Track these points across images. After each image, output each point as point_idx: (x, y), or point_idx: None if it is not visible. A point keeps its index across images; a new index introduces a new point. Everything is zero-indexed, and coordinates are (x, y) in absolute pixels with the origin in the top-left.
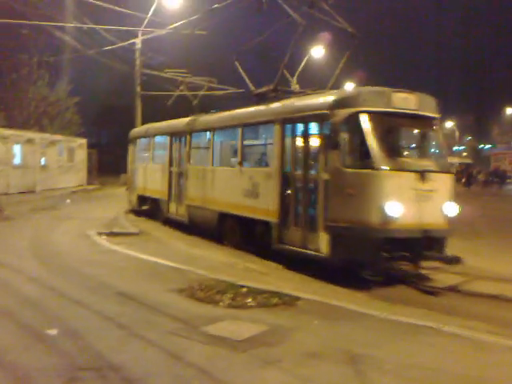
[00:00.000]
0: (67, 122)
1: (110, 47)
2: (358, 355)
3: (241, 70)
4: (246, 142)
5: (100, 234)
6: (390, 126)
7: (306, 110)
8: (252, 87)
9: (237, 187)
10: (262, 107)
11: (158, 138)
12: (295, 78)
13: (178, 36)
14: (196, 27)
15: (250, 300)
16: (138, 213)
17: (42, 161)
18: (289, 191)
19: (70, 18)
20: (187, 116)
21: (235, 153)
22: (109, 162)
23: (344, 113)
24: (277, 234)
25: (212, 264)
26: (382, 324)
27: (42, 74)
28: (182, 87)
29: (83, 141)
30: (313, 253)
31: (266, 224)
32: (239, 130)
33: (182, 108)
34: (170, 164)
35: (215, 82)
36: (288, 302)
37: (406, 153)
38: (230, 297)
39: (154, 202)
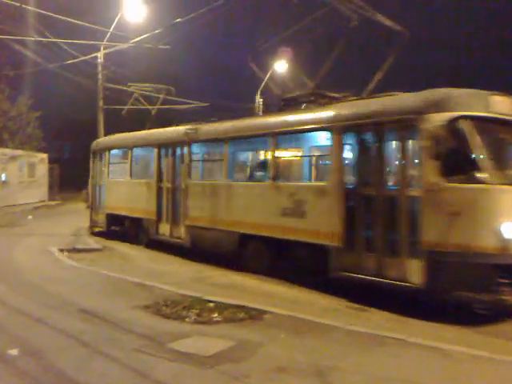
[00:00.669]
0: (28, 137)
1: (71, 61)
2: (325, 368)
3: (259, 72)
4: (280, 154)
5: (62, 250)
6: (492, 133)
7: (382, 115)
8: (273, 91)
9: (268, 205)
10: (304, 113)
11: (138, 150)
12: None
13: (142, 50)
14: (159, 41)
15: (216, 315)
16: (103, 234)
17: (3, 176)
18: (354, 210)
19: (31, 31)
20: (144, 129)
21: (261, 166)
22: (71, 177)
23: (440, 118)
24: (338, 260)
25: (178, 279)
26: (349, 336)
27: (2, 88)
28: (135, 96)
29: (44, 156)
30: (397, 282)
31: (315, 248)
32: (270, 140)
33: (141, 121)
34: (159, 179)
35: (173, 92)
36: (255, 316)
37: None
38: (196, 312)
39: (133, 222)
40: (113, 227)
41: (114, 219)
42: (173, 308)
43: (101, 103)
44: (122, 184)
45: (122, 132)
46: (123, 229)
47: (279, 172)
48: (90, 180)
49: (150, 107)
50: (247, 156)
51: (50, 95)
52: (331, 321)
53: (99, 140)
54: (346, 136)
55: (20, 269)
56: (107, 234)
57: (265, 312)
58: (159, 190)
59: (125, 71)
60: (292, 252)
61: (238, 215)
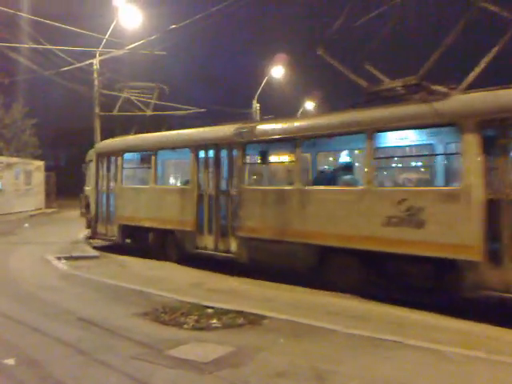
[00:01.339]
0: (24, 145)
1: (66, 68)
2: (324, 371)
3: (330, 60)
4: (379, 154)
5: (59, 258)
6: None
7: None
8: (360, 82)
9: (363, 214)
10: (416, 106)
11: (164, 153)
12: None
13: (138, 56)
14: (155, 48)
15: (215, 321)
16: (107, 247)
17: None
18: (498, 219)
19: (25, 38)
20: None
21: (348, 168)
22: (67, 185)
23: None
24: (477, 276)
25: (176, 286)
26: (347, 339)
27: None
28: (126, 97)
29: (40, 163)
30: None
31: (432, 262)
32: (366, 138)
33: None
34: (198, 185)
35: (167, 91)
36: (254, 321)
37: None
38: (195, 318)
39: (159, 234)
40: (127, 240)
41: (129, 231)
42: (171, 315)
43: (97, 110)
44: (144, 191)
45: (114, 137)
46: (139, 242)
47: (379, 175)
48: (90, 187)
49: (143, 113)
50: (326, 158)
51: (45, 102)
52: (330, 324)
53: (106, 142)
54: (483, 132)
55: (16, 277)
56: (111, 248)
57: (264, 317)
58: (198, 197)
59: (121, 78)
60: (394, 267)
61: (317, 225)
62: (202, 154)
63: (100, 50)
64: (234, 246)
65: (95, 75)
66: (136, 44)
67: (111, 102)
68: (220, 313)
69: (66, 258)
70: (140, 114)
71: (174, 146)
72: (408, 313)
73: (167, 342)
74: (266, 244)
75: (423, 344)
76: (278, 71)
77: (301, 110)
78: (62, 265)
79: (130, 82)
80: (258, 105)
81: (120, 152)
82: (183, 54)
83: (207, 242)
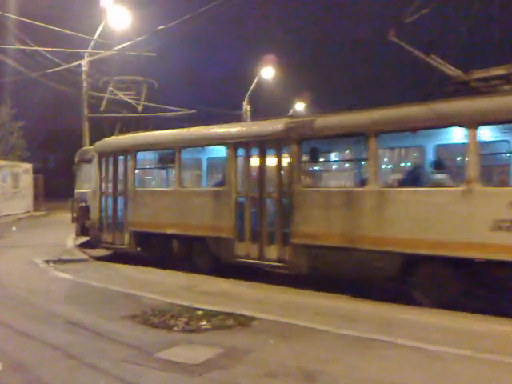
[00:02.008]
0: (12, 147)
1: (54, 69)
2: (314, 372)
3: (405, 45)
4: (484, 149)
5: (48, 261)
6: None
7: None
8: (450, 71)
9: (466, 217)
10: None
11: (190, 152)
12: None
13: (128, 58)
14: (144, 49)
15: (204, 323)
16: (109, 256)
17: None
18: None
19: (12, 39)
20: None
21: (439, 166)
22: (56, 187)
23: None
24: None
25: (166, 289)
26: (337, 339)
27: None
28: (110, 88)
29: (28, 166)
30: None
31: None
32: (469, 131)
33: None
34: (238, 187)
35: (156, 86)
36: (243, 322)
37: None
38: (185, 321)
39: (184, 242)
40: (139, 248)
41: (143, 239)
42: (161, 317)
43: (86, 112)
44: (165, 194)
45: (103, 138)
46: (156, 251)
47: (482, 173)
48: (90, 190)
49: (131, 115)
50: (408, 154)
51: (33, 104)
52: (320, 325)
53: (109, 140)
54: None
55: (4, 281)
56: (100, 252)
57: (253, 318)
58: (237, 200)
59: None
60: (505, 277)
61: (401, 231)
62: (241, 151)
63: (88, 51)
64: (285, 254)
65: (84, 77)
66: (124, 45)
67: (100, 104)
68: (210, 315)
69: (55, 262)
70: (128, 115)
71: (204, 144)
72: (397, 312)
73: (157, 344)
74: (331, 252)
75: (412, 343)
76: (267, 72)
77: (291, 111)
78: (51, 268)
79: (115, 77)
80: (249, 106)
81: (131, 150)
82: (172, 55)
83: (250, 251)
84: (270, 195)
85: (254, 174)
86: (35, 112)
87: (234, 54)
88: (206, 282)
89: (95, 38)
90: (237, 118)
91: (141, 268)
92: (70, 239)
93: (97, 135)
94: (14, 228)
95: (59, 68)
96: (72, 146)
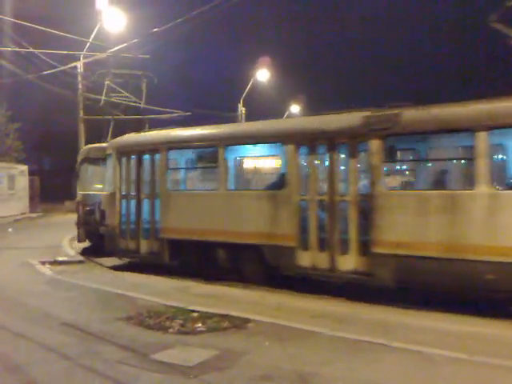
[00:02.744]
0: (7, 149)
1: (49, 71)
2: (308, 374)
3: (508, 31)
4: None
5: (44, 263)
6: None
7: None
8: None
9: None
10: None
11: (238, 149)
12: None
13: (122, 60)
14: (139, 51)
15: (199, 325)
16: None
17: None
18: None
19: (7, 41)
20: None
21: None
22: (52, 188)
23: None
24: None
25: (161, 290)
26: (331, 342)
27: None
28: (107, 83)
29: (24, 167)
30: None
31: None
32: None
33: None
34: (301, 189)
35: (155, 81)
36: (238, 324)
37: None
38: (180, 322)
39: (231, 251)
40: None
41: (178, 247)
42: (156, 319)
43: (81, 113)
44: (207, 198)
45: (101, 139)
46: (195, 260)
47: None
48: (107, 192)
49: (129, 117)
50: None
51: (29, 106)
52: (315, 327)
53: (131, 137)
54: None
55: None
56: (96, 253)
57: (248, 320)
58: (300, 204)
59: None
60: None
61: None
62: (305, 149)
63: (83, 53)
64: (364, 265)
65: (79, 78)
66: (119, 47)
67: (96, 106)
68: (205, 317)
69: (51, 263)
70: (125, 117)
71: (256, 141)
72: (392, 315)
73: (152, 346)
74: (425, 263)
75: (407, 346)
76: (262, 74)
77: (286, 114)
78: (47, 269)
79: (113, 70)
80: (244, 108)
81: (161, 148)
82: (166, 57)
83: (317, 261)
84: (343, 198)
85: (322, 174)
86: (31, 114)
87: (228, 56)
88: (200, 284)
89: (90, 40)
90: (232, 121)
91: (136, 270)
92: (66, 241)
93: (92, 137)
94: (9, 229)
95: (55, 70)
96: (67, 147)
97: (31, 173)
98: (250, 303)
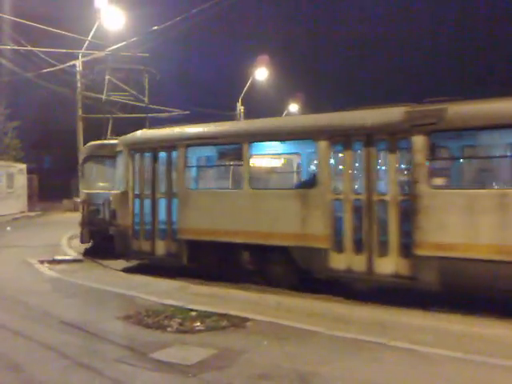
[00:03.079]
0: (6, 147)
1: (48, 69)
2: (307, 373)
3: None
4: None
5: (42, 261)
6: None
7: None
8: None
9: None
10: None
11: (261, 146)
12: None
13: (122, 58)
14: (138, 49)
15: (198, 324)
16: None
17: None
18: None
19: (6, 39)
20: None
21: None
22: (51, 187)
23: None
24: None
25: (160, 289)
26: (330, 341)
27: None
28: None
29: (23, 166)
30: None
31: None
32: None
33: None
34: (334, 188)
35: (158, 77)
36: (237, 323)
37: None
38: (179, 321)
39: (259, 252)
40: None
41: (197, 248)
42: (155, 318)
43: (80, 112)
44: (230, 197)
45: (100, 137)
46: (214, 262)
47: None
48: (118, 191)
49: (128, 115)
50: None
51: (27, 104)
52: (313, 326)
53: (145, 133)
54: None
55: None
56: (95, 252)
57: (247, 319)
58: (334, 203)
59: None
60: None
61: None
62: (338, 146)
63: (82, 51)
64: (405, 268)
65: (78, 77)
66: (118, 46)
67: (94, 104)
68: (204, 316)
69: (49, 262)
70: (123, 116)
71: (284, 137)
72: (391, 315)
73: (151, 344)
74: (476, 266)
75: (406, 345)
76: (261, 73)
77: (285, 113)
78: (45, 268)
79: (113, 65)
80: (242, 107)
81: (180, 145)
82: (165, 55)
83: (352, 263)
84: (382, 198)
85: (358, 172)
86: (30, 112)
87: (227, 55)
88: (198, 283)
89: (89, 38)
90: (231, 119)
91: (134, 269)
92: (65, 240)
93: (91, 135)
94: (8, 228)
95: (53, 68)
96: (66, 146)
97: (30, 171)
98: (248, 302)
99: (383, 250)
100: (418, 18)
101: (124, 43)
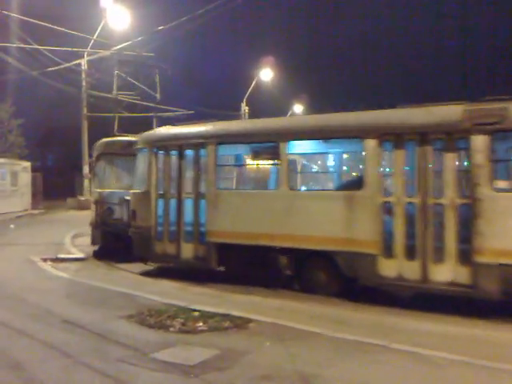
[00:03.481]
0: (10, 145)
1: (54, 68)
2: (309, 375)
3: None
4: None
5: (45, 259)
6: None
7: None
8: None
9: None
10: None
11: (302, 145)
12: None
13: (127, 57)
14: (143, 49)
15: (201, 324)
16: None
17: None
18: None
19: (13, 37)
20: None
21: None
22: (54, 186)
23: None
24: None
25: (163, 289)
26: (332, 343)
27: None
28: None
29: (27, 164)
30: None
31: None
32: None
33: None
34: (384, 190)
35: (168, 71)
36: (240, 324)
37: None
38: (181, 321)
39: (299, 257)
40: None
41: (227, 251)
42: (157, 317)
43: (85, 111)
44: (266, 198)
45: (107, 135)
46: (245, 267)
47: None
48: (138, 190)
49: (131, 114)
50: None
51: (32, 102)
52: (315, 328)
53: (169, 130)
54: None
55: (1, 279)
56: (98, 250)
57: (250, 320)
58: (384, 206)
59: (109, 78)
60: None
61: None
62: (388, 145)
63: (87, 50)
64: (465, 275)
65: (83, 75)
66: (123, 45)
67: (99, 102)
68: (206, 316)
69: (52, 260)
70: (129, 114)
71: (326, 135)
72: (392, 317)
73: (153, 344)
74: None
75: (407, 348)
76: (266, 74)
77: (289, 113)
78: (48, 266)
79: (122, 57)
80: (247, 108)
81: (209, 143)
82: (170, 55)
83: (405, 270)
84: (438, 201)
85: (410, 173)
86: (34, 110)
87: (232, 55)
88: (201, 283)
89: (95, 37)
90: (236, 119)
91: (137, 268)
92: (68, 238)
93: (95, 134)
94: (12, 226)
95: (59, 67)
96: (70, 144)
97: (34, 169)
98: (251, 304)
99: (439, 257)
100: (422, 15)
101: (129, 42)
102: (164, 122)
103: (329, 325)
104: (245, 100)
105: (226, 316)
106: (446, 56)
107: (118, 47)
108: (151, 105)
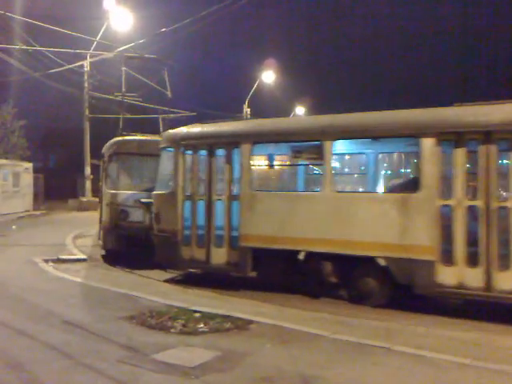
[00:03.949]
0: (13, 146)
1: (56, 69)
2: (310, 377)
3: None
4: None
5: (47, 260)
6: None
7: None
8: None
9: None
10: None
11: (343, 145)
12: None
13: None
14: (146, 50)
15: (202, 325)
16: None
17: None
18: None
19: (15, 39)
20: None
21: None
22: (56, 187)
23: None
24: None
25: (164, 290)
26: (333, 345)
27: None
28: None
29: (29, 165)
30: None
31: None
32: None
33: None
34: (443, 192)
35: (173, 68)
36: (241, 326)
37: None
38: (182, 323)
39: (343, 263)
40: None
41: (263, 257)
42: (158, 319)
43: (87, 112)
44: (308, 200)
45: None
46: (281, 273)
47: None
48: (163, 191)
49: (133, 116)
50: None
51: (35, 104)
52: (317, 330)
53: (197, 128)
54: None
55: (2, 279)
56: (99, 251)
57: (251, 322)
58: (442, 210)
59: (111, 80)
60: None
61: None
62: (447, 144)
63: (90, 52)
64: None
65: (85, 77)
66: (126, 47)
67: (101, 104)
68: (207, 317)
69: (54, 261)
70: (131, 116)
71: (378, 133)
72: (394, 319)
73: (154, 346)
74: None
75: (410, 350)
76: (268, 76)
77: (292, 115)
78: (49, 267)
79: (127, 53)
80: (249, 109)
81: (244, 142)
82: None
83: (466, 278)
84: (504, 204)
85: (472, 175)
86: (37, 111)
87: (234, 57)
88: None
89: (97, 39)
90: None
91: (139, 269)
92: (70, 239)
93: (97, 135)
94: (13, 227)
95: (61, 68)
96: (72, 145)
97: (36, 170)
98: (252, 305)
99: (505, 264)
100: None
101: (132, 44)
102: (171, 123)
103: (331, 326)
104: (247, 102)
105: (227, 317)
106: (446, 56)
107: (121, 49)
108: (152, 106)
